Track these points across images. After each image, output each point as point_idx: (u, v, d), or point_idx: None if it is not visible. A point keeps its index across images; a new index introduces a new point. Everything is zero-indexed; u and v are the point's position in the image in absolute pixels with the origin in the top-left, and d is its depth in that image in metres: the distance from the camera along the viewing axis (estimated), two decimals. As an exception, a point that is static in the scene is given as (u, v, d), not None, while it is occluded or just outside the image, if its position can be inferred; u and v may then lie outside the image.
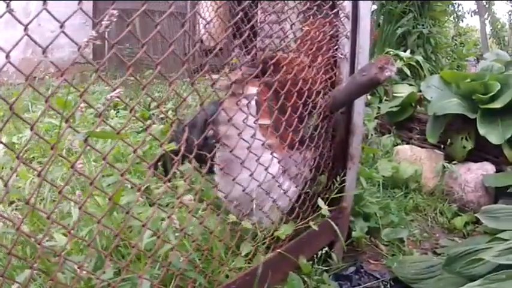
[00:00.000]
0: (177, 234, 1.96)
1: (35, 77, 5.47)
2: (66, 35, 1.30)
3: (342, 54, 2.66)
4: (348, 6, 2.63)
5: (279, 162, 2.32)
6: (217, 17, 3.65)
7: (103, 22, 1.45)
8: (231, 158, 2.06)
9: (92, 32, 1.50)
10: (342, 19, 2.65)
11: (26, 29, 1.20)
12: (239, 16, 2.06)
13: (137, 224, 1.86)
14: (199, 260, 2.02)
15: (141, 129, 4.36)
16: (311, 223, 2.43)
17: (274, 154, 2.24)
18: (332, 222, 2.64)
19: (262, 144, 2.16)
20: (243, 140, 2.01)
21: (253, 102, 2.23)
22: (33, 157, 3.51)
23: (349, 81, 2.57)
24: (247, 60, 2.53)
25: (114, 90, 1.63)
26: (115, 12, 1.46)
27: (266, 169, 2.18)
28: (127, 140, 3.11)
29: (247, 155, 2.04)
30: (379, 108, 5.03)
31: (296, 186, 2.50)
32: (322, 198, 2.66)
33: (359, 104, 2.72)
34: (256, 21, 3.60)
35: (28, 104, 5.23)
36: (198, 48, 6.75)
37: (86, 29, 7.81)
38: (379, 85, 2.43)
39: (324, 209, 2.48)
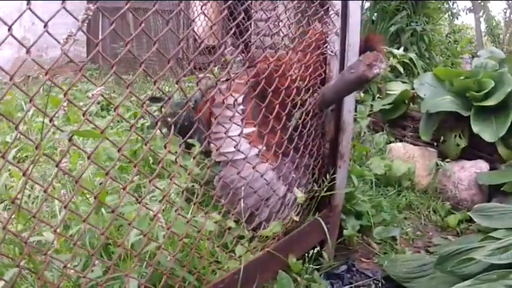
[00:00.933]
0: (163, 232, 1.95)
1: (29, 76, 5.45)
2: (50, 34, 1.28)
3: (331, 52, 2.64)
4: (338, 3, 2.61)
5: (273, 169, 2.33)
6: (212, 15, 3.64)
7: (79, 17, 1.43)
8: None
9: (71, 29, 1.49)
10: (331, 16, 2.63)
11: (10, 29, 1.19)
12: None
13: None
14: (186, 258, 2.00)
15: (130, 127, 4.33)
16: (292, 213, 2.42)
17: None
18: (322, 221, 2.63)
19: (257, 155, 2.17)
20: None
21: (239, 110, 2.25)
22: (26, 156, 3.48)
23: (337, 78, 2.55)
24: (241, 58, 2.52)
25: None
26: (91, 6, 1.44)
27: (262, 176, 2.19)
28: (123, 140, 3.10)
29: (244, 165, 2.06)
30: (372, 105, 5.01)
31: (290, 191, 2.50)
32: (313, 197, 2.64)
33: (349, 101, 2.69)
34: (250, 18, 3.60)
35: (22, 103, 5.20)
36: (192, 46, 6.74)
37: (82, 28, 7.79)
38: (368, 82, 2.40)
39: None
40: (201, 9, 4.35)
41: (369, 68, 2.25)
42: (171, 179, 1.88)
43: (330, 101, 2.60)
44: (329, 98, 2.58)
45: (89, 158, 1.50)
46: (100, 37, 7.72)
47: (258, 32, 2.59)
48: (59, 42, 1.40)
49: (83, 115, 1.46)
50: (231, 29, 2.10)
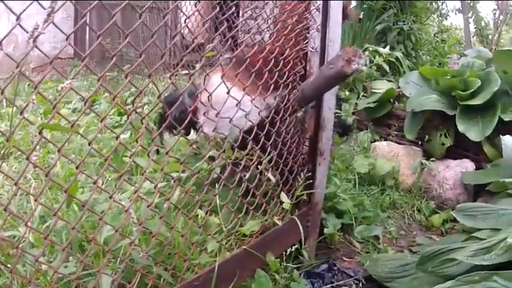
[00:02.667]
0: (135, 229, 1.92)
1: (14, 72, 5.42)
2: (23, 27, 1.27)
3: (312, 48, 2.61)
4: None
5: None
6: (198, 13, 3.61)
7: (45, 10, 1.40)
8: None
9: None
10: (313, 12, 2.59)
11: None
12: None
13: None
14: (160, 255, 1.96)
15: (116, 124, 4.29)
16: (275, 218, 2.39)
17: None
18: (300, 220, 2.59)
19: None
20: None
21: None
22: (11, 152, 3.44)
23: (317, 74, 2.51)
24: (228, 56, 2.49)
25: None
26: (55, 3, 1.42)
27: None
28: (104, 137, 3.07)
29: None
30: (356, 104, 4.99)
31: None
32: (292, 195, 2.61)
33: (329, 98, 2.65)
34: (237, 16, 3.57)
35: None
36: (179, 43, 6.71)
37: (69, 24, 7.76)
38: (347, 78, 2.36)
39: (286, 202, 2.44)
40: (192, 8, 4.34)
41: (347, 64, 2.21)
42: (142, 174, 1.85)
43: (309, 97, 2.56)
44: (308, 95, 2.54)
45: (58, 151, 1.49)
46: (87, 33, 7.72)
47: (248, 30, 2.55)
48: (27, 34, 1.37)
49: (53, 108, 1.43)
50: (218, 27, 2.09)
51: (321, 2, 2.56)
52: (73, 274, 1.68)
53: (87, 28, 7.00)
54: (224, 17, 2.26)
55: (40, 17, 1.39)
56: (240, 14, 4.13)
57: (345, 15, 3.11)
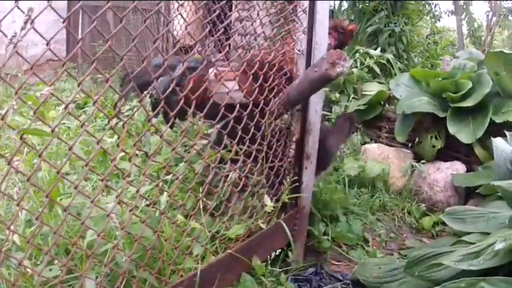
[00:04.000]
0: (117, 233, 1.91)
1: (7, 74, 5.40)
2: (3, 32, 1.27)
3: (299, 50, 2.59)
4: (306, 2, 2.55)
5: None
6: (190, 15, 3.59)
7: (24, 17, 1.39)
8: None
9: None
10: (299, 15, 2.57)
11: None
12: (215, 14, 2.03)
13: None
14: (143, 259, 1.95)
15: (106, 126, 4.28)
16: (260, 221, 2.37)
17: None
18: (284, 224, 2.57)
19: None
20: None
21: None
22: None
23: (301, 77, 2.49)
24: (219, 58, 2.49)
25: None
26: (32, 8, 1.40)
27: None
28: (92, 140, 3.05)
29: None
30: (347, 106, 4.97)
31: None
32: (279, 199, 2.60)
33: (315, 101, 2.62)
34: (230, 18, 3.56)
35: (-2, 100, 5.12)
36: (171, 45, 6.70)
37: (60, 26, 7.74)
38: (331, 81, 2.33)
39: (269, 205, 2.42)
40: (178, 9, 4.32)
41: (332, 67, 2.19)
42: (124, 179, 1.84)
43: (295, 100, 2.53)
44: (294, 98, 2.51)
45: (39, 156, 1.48)
46: (80, 35, 7.70)
47: (237, 32, 2.54)
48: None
49: (34, 113, 1.43)
50: (209, 28, 2.08)
51: (307, 3, 2.54)
52: (56, 278, 1.68)
53: (80, 30, 6.99)
54: (210, 18, 2.24)
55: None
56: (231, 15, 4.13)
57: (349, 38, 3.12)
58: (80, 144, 3.03)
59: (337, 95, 5.03)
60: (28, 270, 1.69)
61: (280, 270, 2.60)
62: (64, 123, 3.62)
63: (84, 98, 5.05)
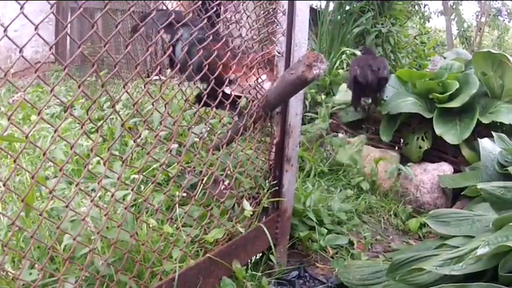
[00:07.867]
0: (93, 237, 1.90)
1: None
2: None
3: (278, 52, 2.56)
4: (285, 3, 2.52)
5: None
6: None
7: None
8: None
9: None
10: (278, 16, 2.55)
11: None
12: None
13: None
14: (120, 263, 1.93)
15: (93, 129, 4.25)
16: (239, 226, 2.35)
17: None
18: (265, 228, 2.54)
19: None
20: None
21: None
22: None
23: (279, 80, 2.46)
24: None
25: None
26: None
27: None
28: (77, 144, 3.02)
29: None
30: (333, 107, 4.94)
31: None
32: (259, 202, 2.57)
33: (295, 104, 2.59)
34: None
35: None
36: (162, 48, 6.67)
37: (50, 28, 7.72)
38: (308, 83, 2.31)
39: (248, 210, 2.39)
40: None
41: (308, 69, 2.16)
42: (98, 183, 1.82)
43: (274, 103, 2.50)
44: (273, 100, 2.48)
45: (14, 161, 1.47)
46: (68, 37, 7.68)
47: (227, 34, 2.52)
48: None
49: (8, 119, 1.41)
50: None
51: (286, 3, 2.51)
52: (34, 281, 1.65)
53: (68, 32, 6.96)
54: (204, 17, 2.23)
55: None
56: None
57: None
58: (66, 147, 3.02)
59: (323, 97, 4.99)
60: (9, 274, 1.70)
61: (262, 273, 2.57)
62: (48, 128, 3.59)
63: (68, 101, 5.01)
